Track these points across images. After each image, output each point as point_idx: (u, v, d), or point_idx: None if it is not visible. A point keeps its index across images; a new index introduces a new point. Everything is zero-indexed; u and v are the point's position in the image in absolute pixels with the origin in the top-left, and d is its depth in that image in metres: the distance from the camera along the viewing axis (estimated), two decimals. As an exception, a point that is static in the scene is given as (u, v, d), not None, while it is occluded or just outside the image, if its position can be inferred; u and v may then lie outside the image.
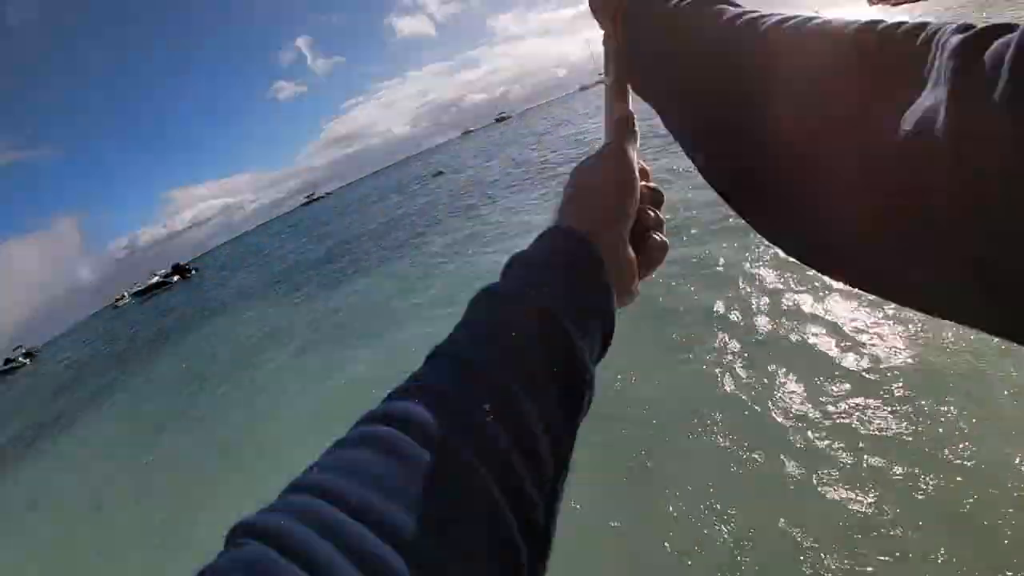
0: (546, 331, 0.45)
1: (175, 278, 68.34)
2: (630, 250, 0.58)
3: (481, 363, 0.41)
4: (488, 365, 0.41)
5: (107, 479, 9.61)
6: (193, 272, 69.13)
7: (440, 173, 45.40)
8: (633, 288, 0.59)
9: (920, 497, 3.36)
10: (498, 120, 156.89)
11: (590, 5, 0.72)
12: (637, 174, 0.62)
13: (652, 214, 0.64)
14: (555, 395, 0.42)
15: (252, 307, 19.94)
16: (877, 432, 3.92)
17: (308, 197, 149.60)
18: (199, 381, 13.10)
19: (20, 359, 61.66)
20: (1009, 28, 0.31)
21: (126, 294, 77.77)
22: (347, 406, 7.97)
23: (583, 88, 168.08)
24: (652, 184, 0.67)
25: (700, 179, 0.59)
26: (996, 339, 0.35)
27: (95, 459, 11.31)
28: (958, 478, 3.38)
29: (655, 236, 0.63)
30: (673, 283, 7.17)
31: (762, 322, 5.76)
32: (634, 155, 0.64)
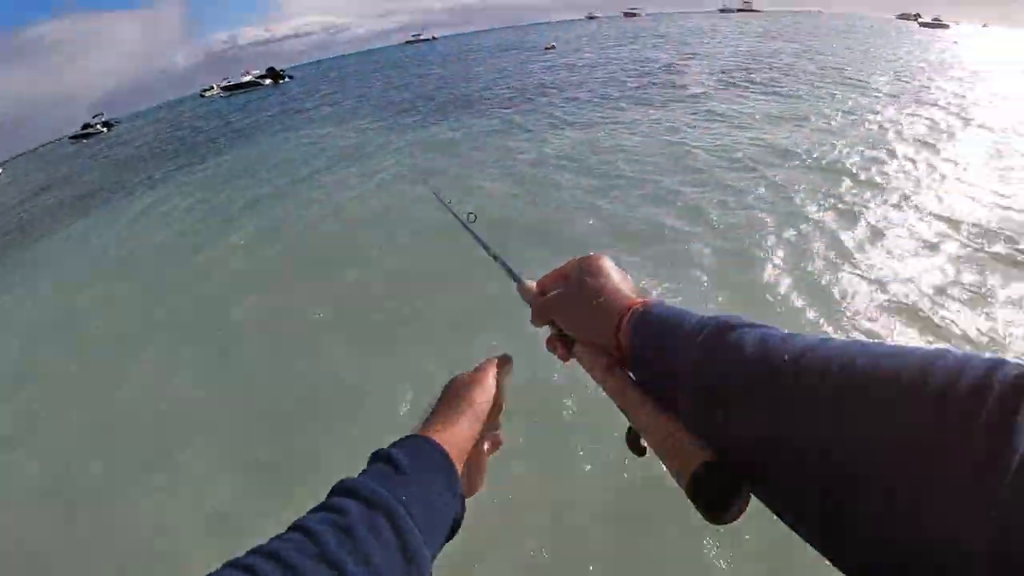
0: (394, 530, 0.54)
1: (267, 81, 68.69)
2: (484, 453, 0.76)
3: (326, 544, 0.49)
4: (333, 548, 0.49)
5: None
6: (287, 79, 69.37)
7: (552, 47, 45.39)
8: (480, 483, 0.76)
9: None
10: (627, 15, 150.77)
11: (533, 315, 0.83)
12: (500, 396, 0.78)
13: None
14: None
15: (328, 124, 20.27)
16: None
17: (415, 36, 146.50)
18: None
19: (99, 127, 63.37)
20: None
21: (216, 86, 78.44)
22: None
23: (724, 10, 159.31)
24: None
25: None
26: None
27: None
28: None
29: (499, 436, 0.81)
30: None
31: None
32: (505, 380, 0.81)
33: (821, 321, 5.60)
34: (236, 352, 6.43)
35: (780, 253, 6.90)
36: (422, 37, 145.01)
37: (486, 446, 0.77)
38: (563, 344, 0.78)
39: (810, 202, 8.45)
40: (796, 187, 9.06)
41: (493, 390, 0.76)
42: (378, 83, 35.83)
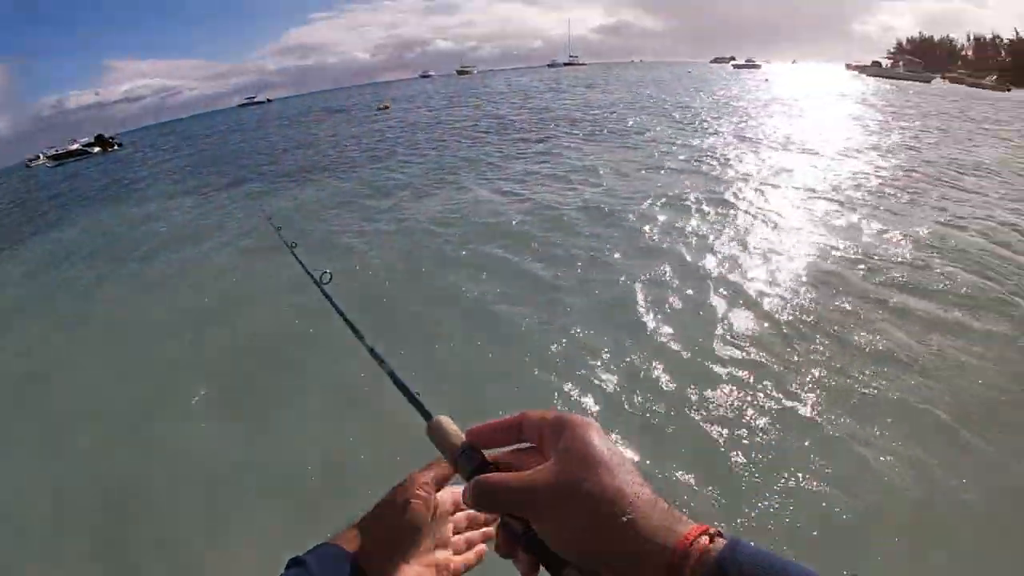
0: None
1: (96, 149, 65.21)
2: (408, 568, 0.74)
3: None
4: None
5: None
6: (117, 146, 66.15)
7: (387, 107, 46.02)
8: None
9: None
10: (459, 72, 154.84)
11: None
12: (423, 515, 0.76)
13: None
14: None
15: (161, 195, 19.70)
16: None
17: (248, 99, 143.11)
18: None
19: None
20: None
21: (42, 155, 73.56)
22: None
23: (552, 65, 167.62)
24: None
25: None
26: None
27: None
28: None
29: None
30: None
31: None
32: (433, 491, 0.78)
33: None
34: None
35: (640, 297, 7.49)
36: (257, 99, 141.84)
37: (424, 569, 0.76)
38: (533, 558, 0.59)
39: (665, 235, 9.61)
40: (648, 226, 10.07)
41: (406, 511, 0.74)
42: (214, 148, 35.03)
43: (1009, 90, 78.36)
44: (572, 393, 5.41)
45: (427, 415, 0.75)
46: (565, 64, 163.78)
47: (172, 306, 8.80)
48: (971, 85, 78.98)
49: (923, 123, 24.36)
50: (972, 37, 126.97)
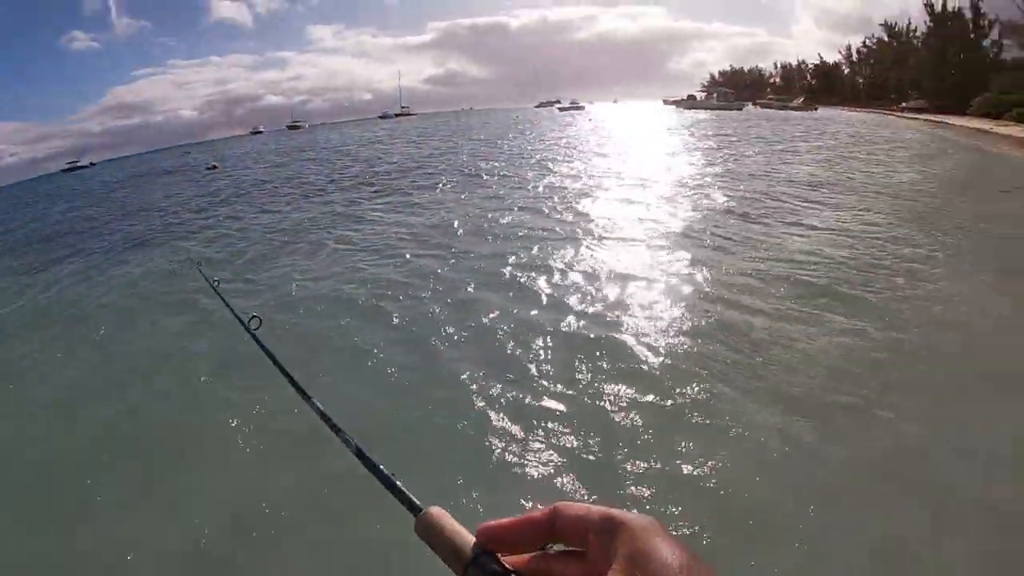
0: None
1: None
2: None
3: None
4: None
5: None
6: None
7: (216, 167, 44.14)
8: None
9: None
10: (290, 127, 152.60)
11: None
12: None
13: None
14: None
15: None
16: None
17: (71, 164, 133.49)
18: None
19: None
20: None
21: None
22: None
23: (384, 116, 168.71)
24: None
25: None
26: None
27: None
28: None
29: None
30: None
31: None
32: None
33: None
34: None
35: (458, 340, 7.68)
36: (80, 164, 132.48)
37: None
38: None
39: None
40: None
41: None
42: (32, 222, 32.31)
43: (816, 109, 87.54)
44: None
45: (415, 508, 0.63)
46: (397, 115, 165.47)
47: None
48: (780, 108, 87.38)
49: (736, 146, 26.80)
50: (779, 65, 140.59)
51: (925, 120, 63.63)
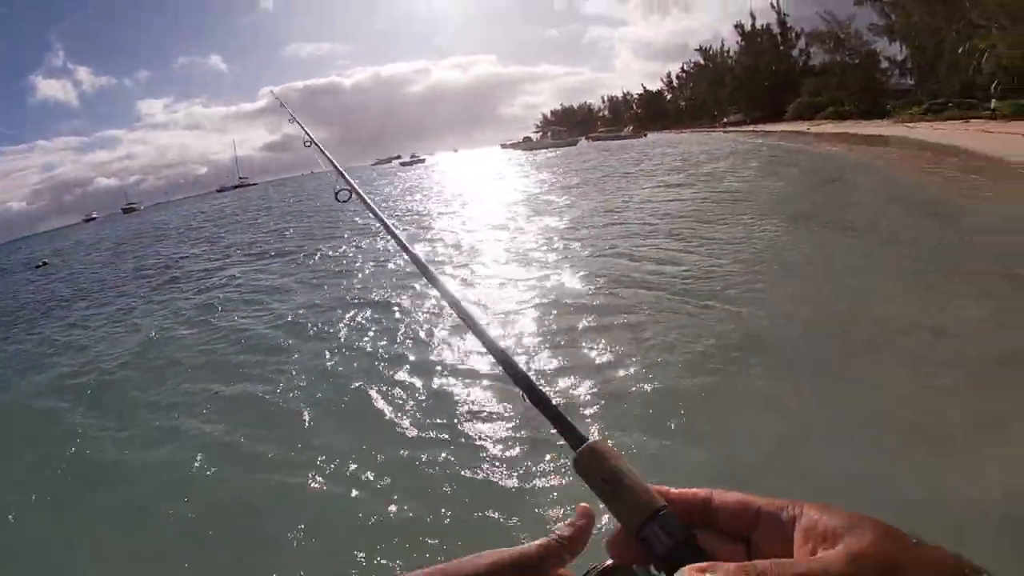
0: None
1: None
2: None
3: None
4: None
5: None
6: None
7: (45, 264, 40.32)
8: None
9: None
10: (125, 211, 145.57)
11: None
12: None
13: None
14: None
15: None
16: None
17: None
18: None
19: None
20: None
21: None
22: None
23: (221, 189, 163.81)
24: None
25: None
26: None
27: None
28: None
29: None
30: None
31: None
32: None
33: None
34: None
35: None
36: None
37: None
38: None
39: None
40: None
41: None
42: None
43: (645, 135, 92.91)
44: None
45: (580, 440, 0.56)
46: (236, 187, 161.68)
47: None
48: (612, 139, 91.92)
49: (580, 177, 27.98)
50: (606, 99, 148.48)
51: (746, 131, 69.31)
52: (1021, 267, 8.35)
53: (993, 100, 39.56)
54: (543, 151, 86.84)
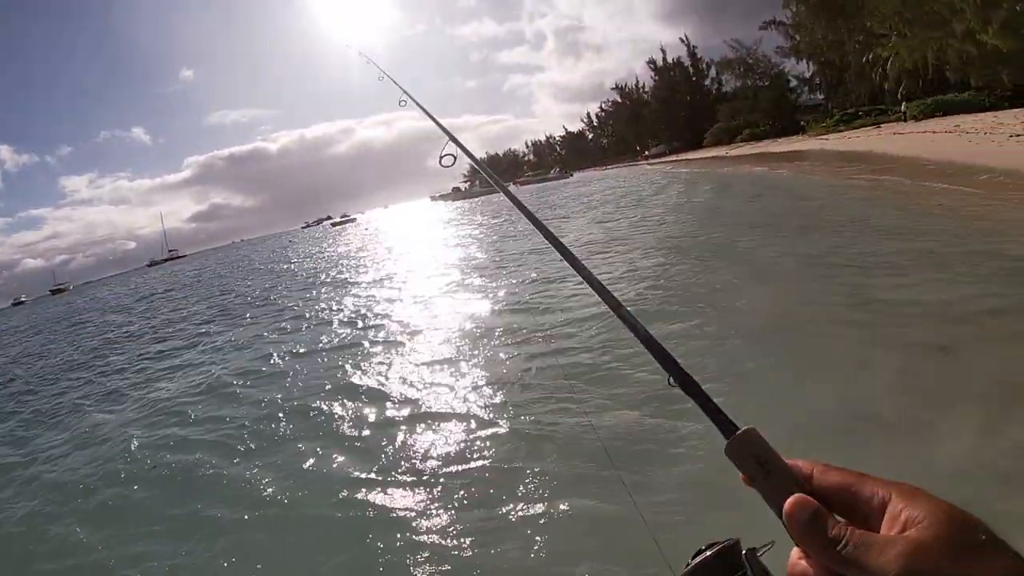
0: None
1: None
2: None
3: None
4: None
5: None
6: None
7: None
8: None
9: None
10: (53, 292, 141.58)
11: None
12: None
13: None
14: None
15: None
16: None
17: None
18: None
19: None
20: None
21: None
22: None
23: (152, 263, 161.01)
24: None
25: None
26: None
27: None
28: None
29: None
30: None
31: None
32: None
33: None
34: None
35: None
36: None
37: None
38: None
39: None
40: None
41: None
42: None
43: (571, 175, 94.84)
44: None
45: (731, 428, 0.63)
46: (166, 260, 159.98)
47: None
48: (540, 182, 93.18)
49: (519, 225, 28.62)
50: (530, 143, 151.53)
51: (668, 162, 71.59)
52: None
53: (903, 103, 42.27)
54: (472, 199, 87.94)
